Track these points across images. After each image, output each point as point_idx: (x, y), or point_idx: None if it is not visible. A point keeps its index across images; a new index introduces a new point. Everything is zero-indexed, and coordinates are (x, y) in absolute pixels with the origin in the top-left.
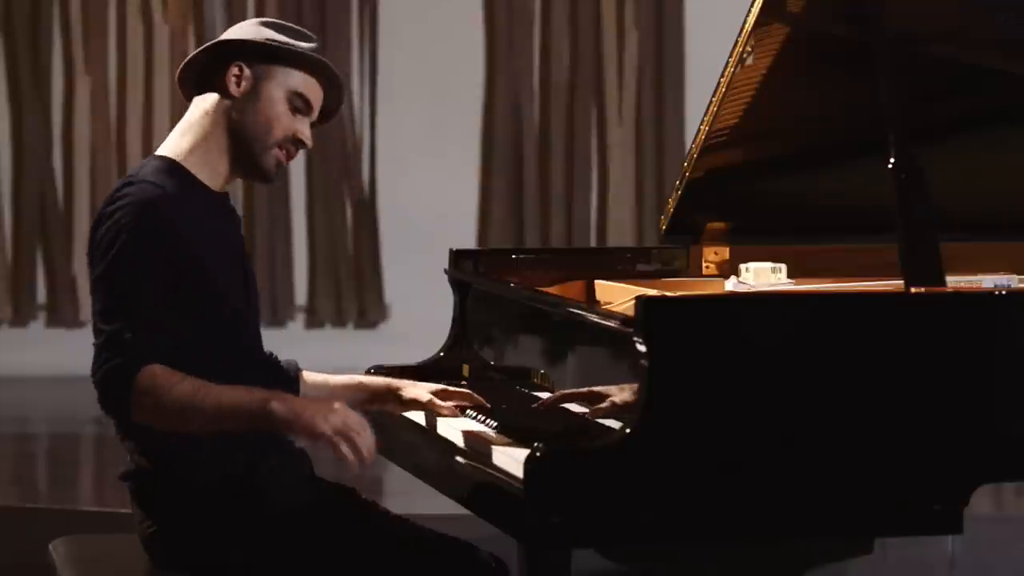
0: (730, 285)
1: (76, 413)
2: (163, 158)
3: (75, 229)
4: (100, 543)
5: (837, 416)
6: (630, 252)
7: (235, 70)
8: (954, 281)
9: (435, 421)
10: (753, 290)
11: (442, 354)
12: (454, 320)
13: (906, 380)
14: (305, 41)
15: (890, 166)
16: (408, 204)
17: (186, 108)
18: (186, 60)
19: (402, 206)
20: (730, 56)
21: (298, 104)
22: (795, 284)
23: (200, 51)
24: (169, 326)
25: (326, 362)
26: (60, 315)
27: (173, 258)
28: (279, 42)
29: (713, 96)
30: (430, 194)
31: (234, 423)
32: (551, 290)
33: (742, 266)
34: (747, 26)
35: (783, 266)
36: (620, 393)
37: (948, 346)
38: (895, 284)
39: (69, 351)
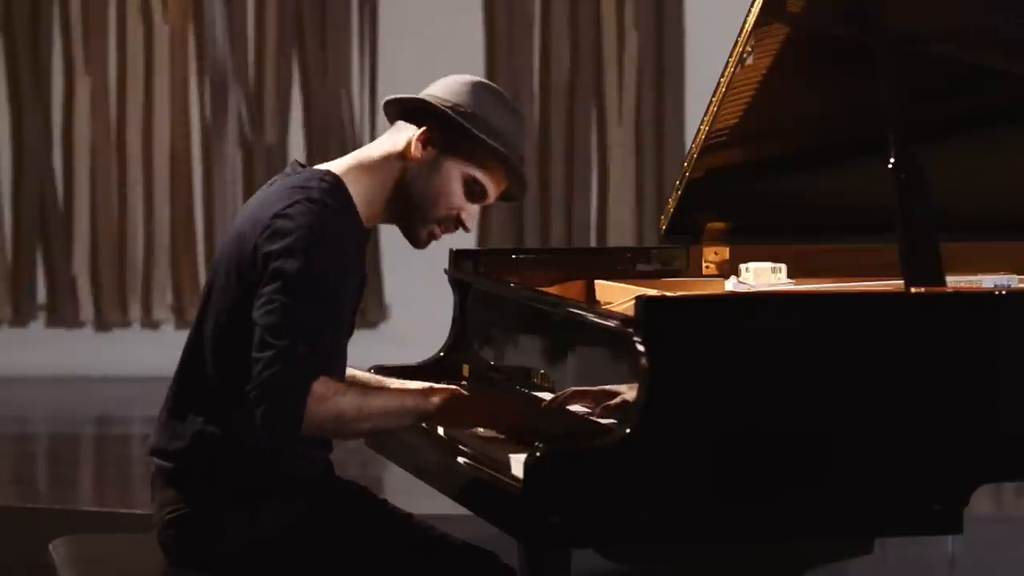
0: (730, 285)
1: (76, 413)
2: (336, 177)
3: (75, 229)
4: (100, 543)
5: (837, 416)
6: (630, 252)
7: (422, 135)
8: (954, 281)
9: None
10: (753, 290)
11: (442, 354)
12: (454, 320)
13: (906, 380)
14: (511, 123)
15: (890, 166)
16: None
17: (184, 108)
18: (388, 100)
19: None
20: (730, 56)
21: (474, 189)
22: (795, 284)
23: (398, 100)
24: (330, 344)
25: None
26: (60, 315)
27: (339, 280)
28: (478, 126)
29: (713, 96)
30: None
31: (398, 421)
32: (551, 290)
33: (742, 266)
34: (747, 26)
35: (783, 266)
36: (624, 393)
37: (948, 346)
38: (895, 284)
39: (69, 351)
